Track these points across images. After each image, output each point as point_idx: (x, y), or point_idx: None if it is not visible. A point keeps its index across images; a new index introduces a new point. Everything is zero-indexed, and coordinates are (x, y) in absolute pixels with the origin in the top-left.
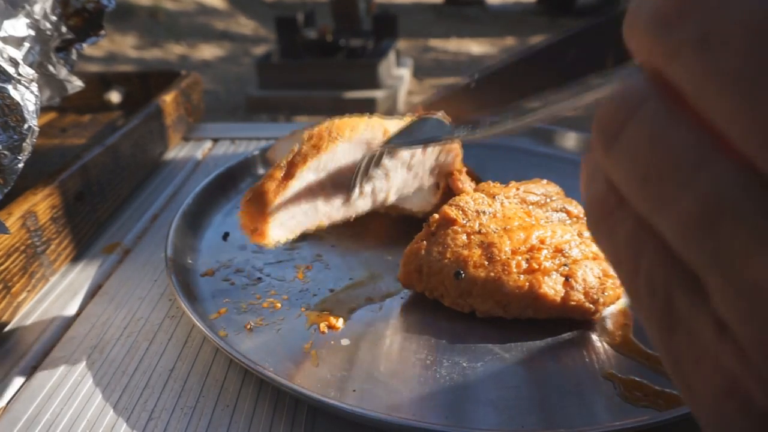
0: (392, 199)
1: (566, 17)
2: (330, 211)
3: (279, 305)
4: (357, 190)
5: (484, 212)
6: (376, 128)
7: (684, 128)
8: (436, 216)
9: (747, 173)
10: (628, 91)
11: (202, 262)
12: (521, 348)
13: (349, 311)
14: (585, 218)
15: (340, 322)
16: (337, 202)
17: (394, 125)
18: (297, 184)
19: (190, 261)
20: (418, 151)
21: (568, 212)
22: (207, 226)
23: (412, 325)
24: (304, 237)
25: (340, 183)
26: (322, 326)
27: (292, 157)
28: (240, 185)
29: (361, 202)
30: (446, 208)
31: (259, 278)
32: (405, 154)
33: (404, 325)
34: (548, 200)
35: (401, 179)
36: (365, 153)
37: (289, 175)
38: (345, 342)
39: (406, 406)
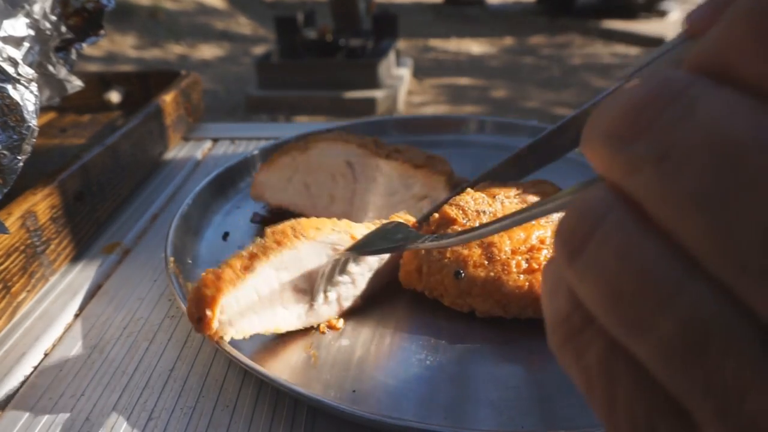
0: (359, 303)
1: (566, 17)
2: (290, 316)
3: None
4: (321, 297)
5: (484, 212)
6: (342, 231)
7: (654, 242)
8: (436, 215)
9: (731, 296)
10: (591, 200)
11: (202, 262)
12: (521, 348)
13: (349, 311)
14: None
15: (340, 323)
16: (298, 308)
17: (360, 229)
18: (255, 279)
19: (189, 261)
20: (385, 256)
21: None
22: (207, 226)
23: (412, 325)
24: None
25: (302, 288)
26: (322, 327)
27: (253, 249)
28: (240, 185)
29: (326, 309)
30: (446, 207)
31: None
32: (372, 259)
33: (404, 326)
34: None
35: (367, 283)
36: (330, 258)
37: (247, 267)
38: (345, 342)
39: (406, 406)
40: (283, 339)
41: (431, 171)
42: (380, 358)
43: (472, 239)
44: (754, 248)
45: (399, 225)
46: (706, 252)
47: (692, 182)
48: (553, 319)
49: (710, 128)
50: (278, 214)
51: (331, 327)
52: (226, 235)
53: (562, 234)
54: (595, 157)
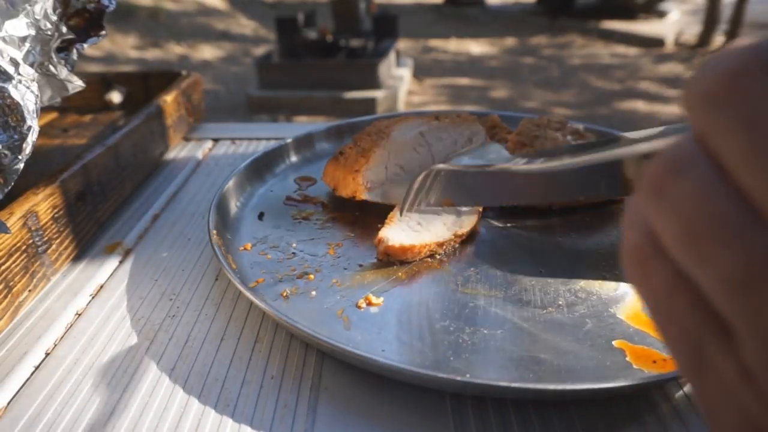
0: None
1: (566, 18)
2: (399, 190)
3: (312, 277)
4: (406, 209)
5: (537, 136)
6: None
7: (729, 193)
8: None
9: None
10: (680, 149)
11: (239, 238)
12: (540, 319)
13: (377, 284)
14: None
15: (380, 300)
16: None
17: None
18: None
19: (228, 236)
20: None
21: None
22: (244, 206)
23: (437, 297)
24: (334, 217)
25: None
26: (361, 302)
27: (357, 150)
28: (275, 170)
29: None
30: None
31: (293, 253)
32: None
33: (429, 298)
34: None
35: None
36: (420, 174)
37: (366, 157)
38: (374, 310)
39: (431, 364)
40: (317, 305)
41: (467, 118)
42: (407, 324)
43: (558, 168)
44: None
45: (493, 145)
46: None
47: None
48: (627, 247)
49: None
50: (307, 199)
51: (369, 303)
52: (261, 215)
53: (651, 174)
54: (692, 112)
